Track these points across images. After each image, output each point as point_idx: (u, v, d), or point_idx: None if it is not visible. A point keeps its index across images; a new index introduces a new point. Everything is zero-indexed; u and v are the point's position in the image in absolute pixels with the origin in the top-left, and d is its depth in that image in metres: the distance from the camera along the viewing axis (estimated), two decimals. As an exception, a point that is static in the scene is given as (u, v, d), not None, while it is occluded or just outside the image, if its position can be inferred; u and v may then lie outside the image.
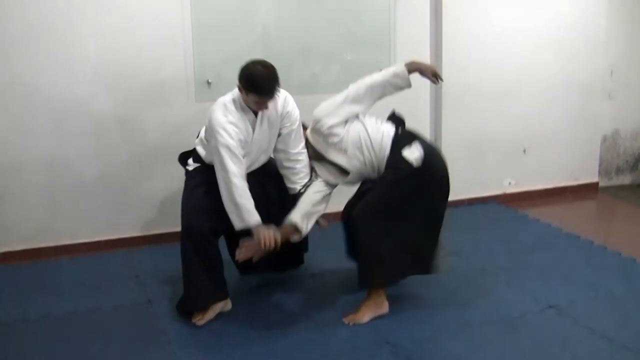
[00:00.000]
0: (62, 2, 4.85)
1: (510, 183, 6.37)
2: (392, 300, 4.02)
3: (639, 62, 6.75)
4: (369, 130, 3.92)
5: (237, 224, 3.75)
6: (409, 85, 3.99)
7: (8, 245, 5.03)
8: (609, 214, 6.37)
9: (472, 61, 5.97)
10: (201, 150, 4.10)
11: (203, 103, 5.06)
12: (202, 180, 4.01)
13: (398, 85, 3.98)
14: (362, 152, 3.91)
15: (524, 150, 6.36)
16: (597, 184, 6.77)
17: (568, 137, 6.54)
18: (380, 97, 4.01)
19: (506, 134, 6.26)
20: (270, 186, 4.14)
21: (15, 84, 4.85)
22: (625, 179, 7.00)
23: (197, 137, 4.17)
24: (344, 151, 3.93)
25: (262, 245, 3.71)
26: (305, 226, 3.88)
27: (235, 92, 3.83)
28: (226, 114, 3.76)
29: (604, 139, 6.79)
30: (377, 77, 3.96)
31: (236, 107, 3.80)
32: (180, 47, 5.17)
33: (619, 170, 6.96)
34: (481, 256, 4.91)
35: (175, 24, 5.13)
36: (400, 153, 3.85)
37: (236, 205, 3.71)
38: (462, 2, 5.87)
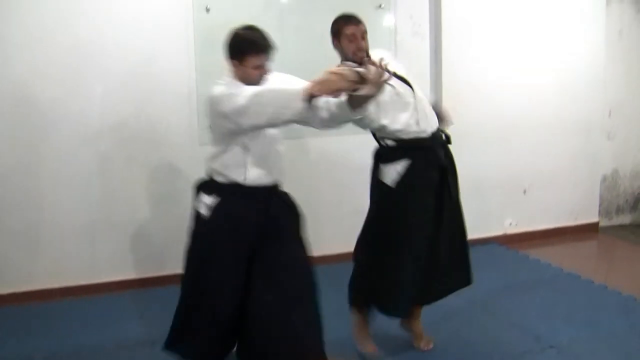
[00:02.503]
0: (71, 48, 4.99)
1: (511, 224, 6.42)
2: (393, 340, 4.05)
3: (637, 102, 6.85)
4: None
5: (298, 108, 2.96)
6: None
7: (14, 286, 5.07)
8: (609, 254, 6.40)
9: (473, 103, 6.05)
10: (210, 163, 3.46)
11: (207, 146, 5.15)
12: (213, 248, 3.35)
13: None
14: None
15: (524, 191, 6.42)
16: (597, 223, 6.81)
17: (568, 177, 6.60)
18: None
19: (507, 174, 6.33)
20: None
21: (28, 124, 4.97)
22: (626, 219, 7.05)
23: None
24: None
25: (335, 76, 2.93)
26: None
27: (228, 77, 3.32)
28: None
29: (604, 178, 6.86)
30: None
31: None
32: (185, 90, 5.27)
33: (619, 210, 7.01)
34: (482, 296, 4.93)
35: (181, 68, 5.24)
36: (378, 172, 3.90)
37: (278, 97, 3.04)
38: (462, 46, 5.97)
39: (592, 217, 6.79)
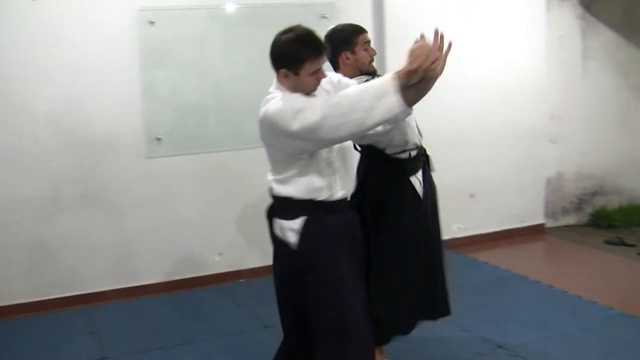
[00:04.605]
0: (19, 63, 4.94)
1: (459, 228, 6.51)
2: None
3: (578, 106, 7.01)
4: None
5: (392, 103, 2.60)
6: None
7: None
8: (556, 254, 6.54)
9: (419, 114, 5.95)
10: (285, 189, 2.96)
11: (154, 159, 5.17)
12: (333, 267, 2.95)
13: None
14: None
15: (472, 196, 6.52)
16: (543, 225, 6.95)
17: (514, 181, 6.71)
18: None
19: (454, 180, 6.39)
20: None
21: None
22: (571, 220, 7.19)
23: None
24: None
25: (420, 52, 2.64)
26: None
27: (277, 88, 2.95)
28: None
29: (549, 181, 7.00)
30: None
31: None
32: (131, 105, 5.25)
33: (564, 211, 7.15)
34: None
35: (125, 82, 5.22)
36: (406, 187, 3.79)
37: (360, 99, 2.64)
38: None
39: (538, 219, 6.93)
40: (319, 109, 2.65)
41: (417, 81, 2.61)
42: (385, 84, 2.60)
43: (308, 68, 2.80)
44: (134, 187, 5.27)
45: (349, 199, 3.06)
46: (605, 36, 7.04)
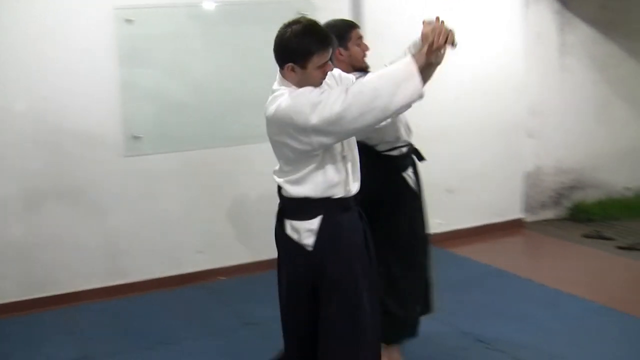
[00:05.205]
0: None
1: (438, 223, 6.53)
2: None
3: (556, 101, 7.06)
4: None
5: (415, 85, 2.63)
6: None
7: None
8: (534, 249, 6.60)
9: None
10: (300, 189, 2.86)
11: (133, 158, 5.15)
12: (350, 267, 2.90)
13: None
14: None
15: (451, 191, 6.55)
16: (522, 219, 7.00)
17: (493, 176, 6.75)
18: None
19: (434, 176, 6.40)
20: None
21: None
22: (550, 214, 7.24)
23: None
24: None
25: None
26: None
27: (283, 84, 2.85)
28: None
29: (527, 176, 7.04)
30: None
31: None
32: (110, 104, 5.23)
33: (543, 206, 7.20)
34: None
35: (103, 80, 5.19)
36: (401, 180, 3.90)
37: (383, 85, 2.61)
38: (384, 54, 5.81)
39: (516, 214, 6.97)
40: (339, 99, 2.58)
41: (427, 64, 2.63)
42: (406, 67, 2.58)
43: (316, 61, 2.72)
44: (113, 185, 5.25)
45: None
46: (582, 32, 7.09)
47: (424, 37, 2.68)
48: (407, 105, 2.67)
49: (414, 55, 2.62)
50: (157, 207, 5.47)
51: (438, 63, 2.74)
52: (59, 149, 5.14)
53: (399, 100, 2.58)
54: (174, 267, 5.58)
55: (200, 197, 5.61)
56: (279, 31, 2.78)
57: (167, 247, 5.54)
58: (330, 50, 2.78)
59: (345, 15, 5.90)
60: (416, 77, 2.57)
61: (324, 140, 2.66)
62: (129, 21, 5.19)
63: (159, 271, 5.52)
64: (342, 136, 2.71)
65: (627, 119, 7.37)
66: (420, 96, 2.66)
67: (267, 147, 5.70)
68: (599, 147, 7.25)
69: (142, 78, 5.33)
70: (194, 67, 5.49)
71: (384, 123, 2.87)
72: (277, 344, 4.20)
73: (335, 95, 2.60)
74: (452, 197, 6.58)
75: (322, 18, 5.69)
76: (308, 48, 2.70)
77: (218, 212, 5.68)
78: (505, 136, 6.77)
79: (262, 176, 5.71)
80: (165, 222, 5.52)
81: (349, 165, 2.89)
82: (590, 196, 7.28)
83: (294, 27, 2.74)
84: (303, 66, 2.72)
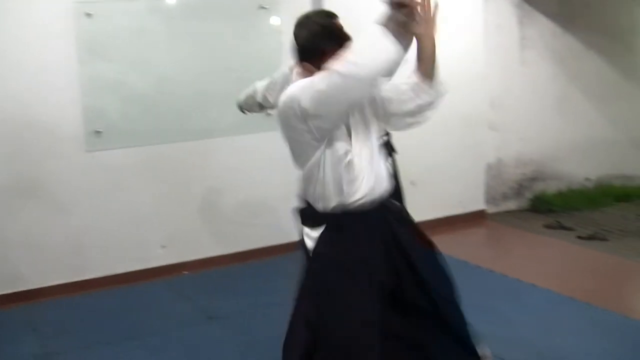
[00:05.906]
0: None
1: (402, 215, 6.57)
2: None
3: (517, 93, 7.14)
4: None
5: (390, 44, 2.62)
6: None
7: None
8: (496, 239, 6.69)
9: None
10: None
11: (94, 153, 5.12)
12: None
13: None
14: None
15: (413, 183, 6.59)
16: (484, 211, 7.07)
17: (454, 168, 6.81)
18: None
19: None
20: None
21: None
22: (511, 205, 7.33)
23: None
24: None
25: None
26: None
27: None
28: None
29: (489, 167, 7.11)
30: None
31: None
32: (69, 100, 5.18)
33: (504, 197, 7.28)
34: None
35: (63, 75, 5.14)
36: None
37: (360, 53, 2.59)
38: None
39: (478, 205, 7.04)
40: (324, 78, 2.52)
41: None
42: (377, 31, 2.58)
43: (330, 56, 2.62)
44: (73, 181, 5.20)
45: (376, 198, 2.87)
46: (542, 25, 7.19)
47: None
48: (390, 69, 2.65)
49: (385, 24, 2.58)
50: (120, 203, 5.43)
51: (414, 30, 2.81)
52: (19, 145, 5.08)
53: (378, 64, 2.56)
54: (138, 262, 5.54)
55: (164, 192, 5.58)
56: (296, 29, 2.79)
57: (131, 242, 5.50)
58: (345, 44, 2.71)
59: (308, 6, 5.92)
60: (389, 37, 2.56)
61: (321, 124, 2.60)
62: (88, 15, 5.14)
63: (123, 267, 5.48)
64: (335, 116, 2.63)
65: (587, 111, 7.49)
66: (399, 54, 2.64)
67: (232, 140, 5.74)
68: (560, 139, 7.35)
69: (103, 72, 5.28)
70: (156, 61, 5.45)
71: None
72: (242, 337, 4.22)
73: (321, 75, 2.56)
74: (415, 189, 6.60)
75: (284, 10, 5.78)
76: (325, 45, 2.70)
77: (182, 206, 5.66)
78: (467, 128, 6.83)
79: (227, 170, 5.77)
80: (129, 218, 5.48)
81: (359, 169, 2.78)
82: (551, 187, 7.39)
83: (312, 27, 2.77)
84: (318, 64, 2.67)
